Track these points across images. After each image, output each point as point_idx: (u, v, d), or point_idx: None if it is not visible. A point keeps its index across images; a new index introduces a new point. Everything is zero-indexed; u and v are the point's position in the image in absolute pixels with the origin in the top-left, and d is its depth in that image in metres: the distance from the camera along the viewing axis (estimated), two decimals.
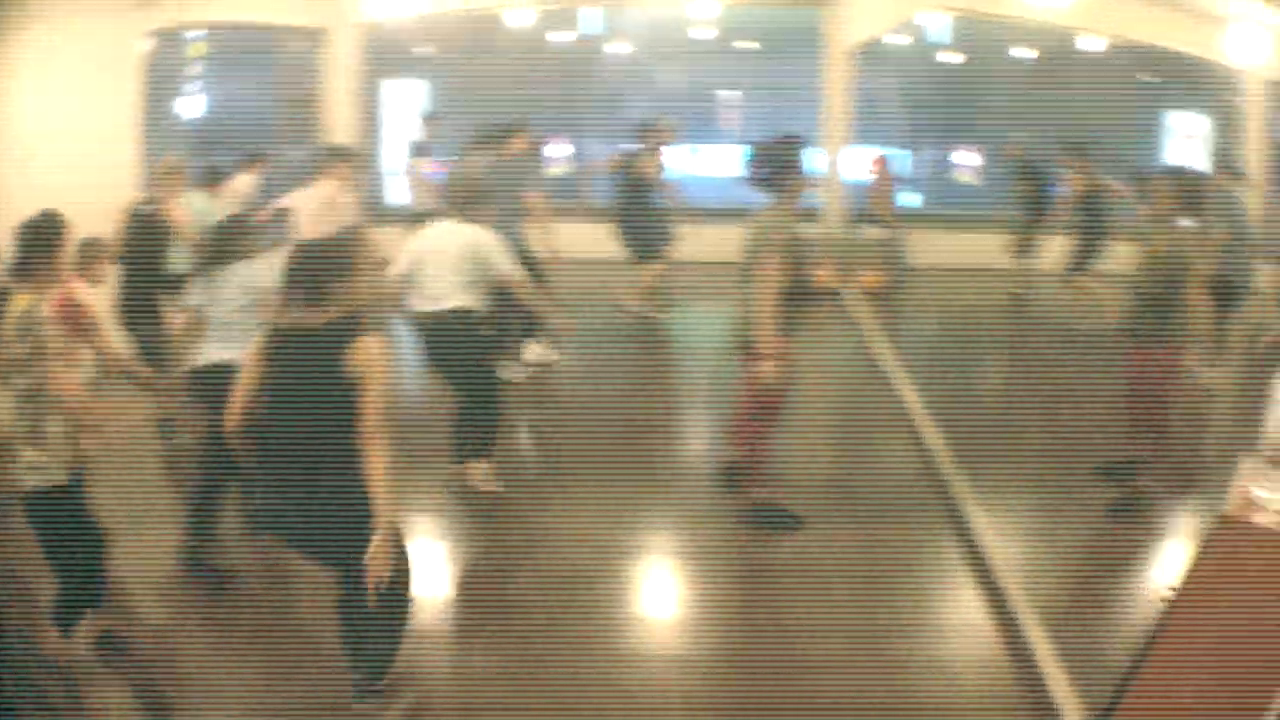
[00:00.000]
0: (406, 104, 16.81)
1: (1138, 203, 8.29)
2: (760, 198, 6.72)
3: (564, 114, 18.03)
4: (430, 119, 13.99)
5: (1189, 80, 12.39)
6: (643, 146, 11.55)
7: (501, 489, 7.52)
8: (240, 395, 4.73)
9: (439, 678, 5.42)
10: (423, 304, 7.25)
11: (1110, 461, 7.43)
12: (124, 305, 8.24)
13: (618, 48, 19.72)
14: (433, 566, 6.44)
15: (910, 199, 15.54)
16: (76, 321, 5.64)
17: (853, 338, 11.87)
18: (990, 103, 16.16)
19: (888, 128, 16.95)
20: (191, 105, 16.50)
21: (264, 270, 6.32)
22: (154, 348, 7.90)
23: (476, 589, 6.42)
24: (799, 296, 6.64)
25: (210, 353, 6.27)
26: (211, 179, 9.69)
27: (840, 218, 14.87)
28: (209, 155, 11.00)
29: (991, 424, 8.84)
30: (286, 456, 4.59)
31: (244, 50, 16.77)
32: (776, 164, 6.63)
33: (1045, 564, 6.59)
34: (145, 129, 10.69)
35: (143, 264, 8.25)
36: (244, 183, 10.87)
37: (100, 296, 6.91)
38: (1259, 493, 3.90)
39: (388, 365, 4.54)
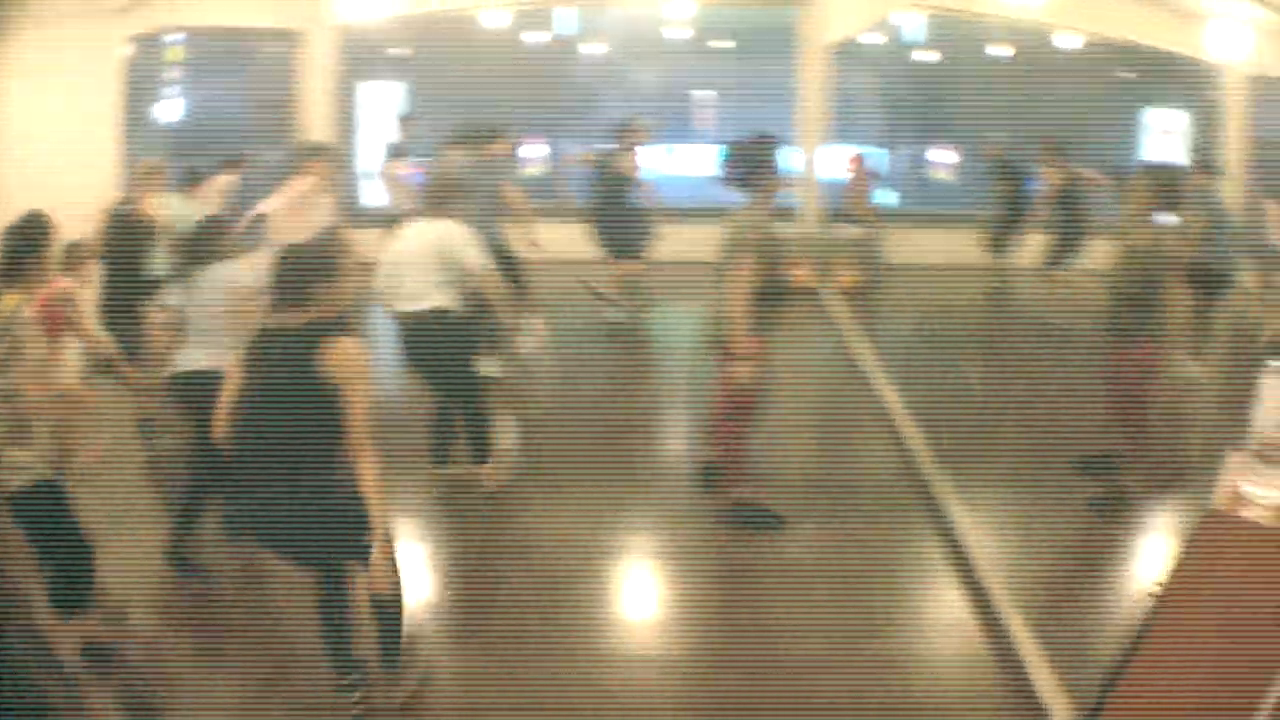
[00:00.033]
0: (382, 105, 16.74)
1: (1115, 194, 8.30)
2: (736, 197, 6.70)
3: (539, 114, 17.99)
4: (406, 120, 13.94)
5: (1167, 77, 12.42)
6: (619, 146, 11.54)
7: (499, 485, 7.53)
8: (226, 398, 4.71)
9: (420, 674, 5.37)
10: (401, 304, 7.22)
11: (1089, 457, 7.44)
12: (104, 305, 8.19)
13: (593, 48, 19.69)
14: (412, 568, 6.39)
15: (887, 197, 15.51)
16: (60, 322, 5.60)
17: (831, 337, 11.87)
18: (966, 101, 16.16)
19: (864, 126, 16.95)
20: (170, 109, 16.43)
21: (242, 272, 6.30)
22: (134, 348, 7.86)
23: (455, 590, 6.36)
24: (775, 296, 6.65)
25: (190, 359, 6.22)
26: (190, 180, 9.67)
27: (817, 217, 14.86)
28: (188, 158, 10.97)
29: (971, 421, 8.82)
30: (265, 457, 4.57)
31: (222, 54, 16.71)
32: (751, 163, 6.63)
33: (1028, 561, 6.56)
34: (126, 132, 10.68)
35: (122, 264, 8.20)
36: (222, 184, 10.82)
37: (86, 297, 6.87)
38: (1247, 488, 3.90)
39: (367, 369, 4.53)
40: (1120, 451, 7.19)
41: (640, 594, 6.43)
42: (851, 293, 13.27)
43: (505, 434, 7.88)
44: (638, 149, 11.67)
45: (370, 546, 4.51)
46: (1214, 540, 3.93)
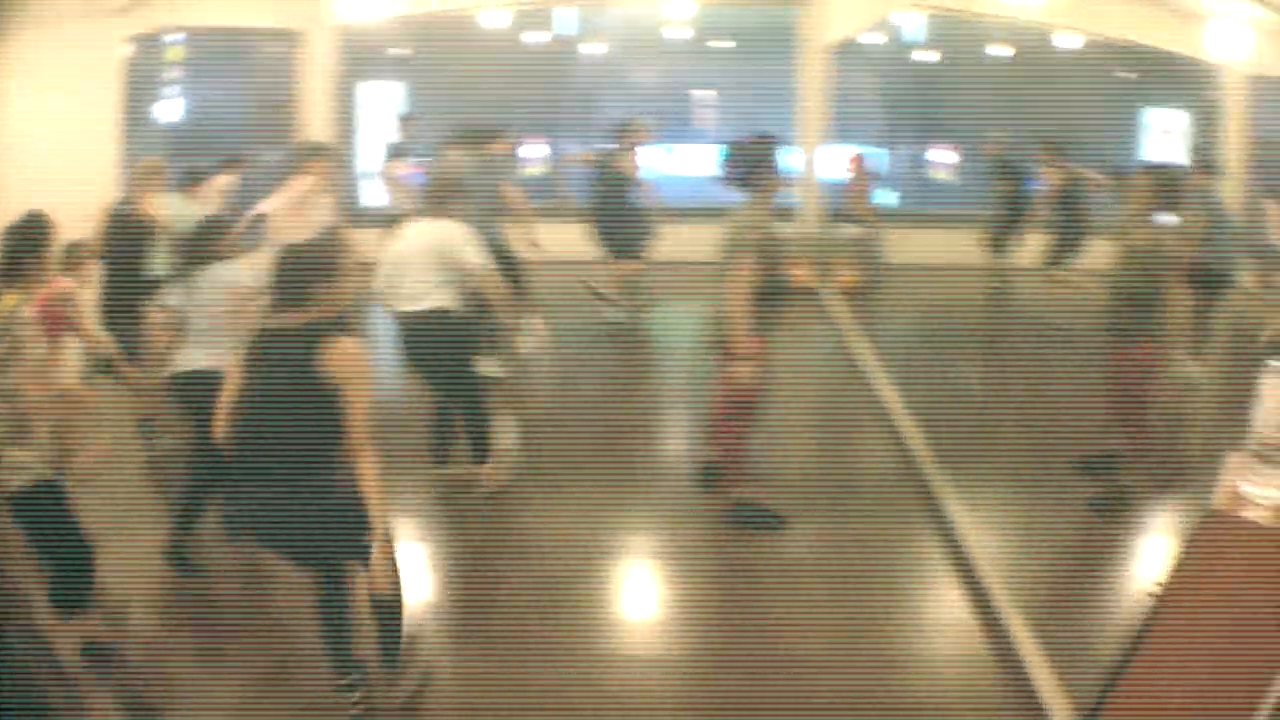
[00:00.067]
0: (383, 105, 16.73)
1: (1116, 194, 8.30)
2: (736, 197, 6.70)
3: (539, 114, 17.99)
4: (407, 120, 13.95)
5: (1167, 76, 12.42)
6: (619, 146, 11.55)
7: (500, 485, 7.54)
8: (226, 398, 4.71)
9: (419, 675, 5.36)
10: (401, 304, 7.22)
11: (1090, 456, 7.43)
12: (104, 305, 8.19)
13: (593, 48, 19.67)
14: (412, 568, 6.38)
15: (887, 197, 15.51)
16: (60, 322, 5.61)
17: (831, 337, 11.85)
18: (966, 101, 16.15)
19: (864, 126, 16.93)
20: (170, 108, 16.43)
21: (242, 272, 6.30)
22: (134, 348, 7.87)
23: (455, 590, 6.36)
24: (775, 295, 6.65)
25: (190, 359, 6.23)
26: (190, 180, 9.67)
27: (817, 216, 14.84)
28: (187, 158, 10.98)
29: (971, 421, 8.84)
30: (264, 457, 4.57)
31: (222, 54, 16.70)
32: (751, 163, 6.62)
33: (1028, 561, 6.56)
34: (126, 132, 10.70)
35: (122, 264, 8.19)
36: (222, 185, 10.82)
37: (86, 297, 6.88)
38: (1247, 488, 3.89)
39: (367, 370, 4.53)
40: (1120, 451, 7.19)
41: (641, 594, 6.41)
42: (851, 292, 13.26)
43: (505, 434, 7.87)
44: (638, 149, 11.67)
45: (370, 547, 4.51)
46: (1214, 540, 3.93)
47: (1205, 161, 9.58)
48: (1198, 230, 8.14)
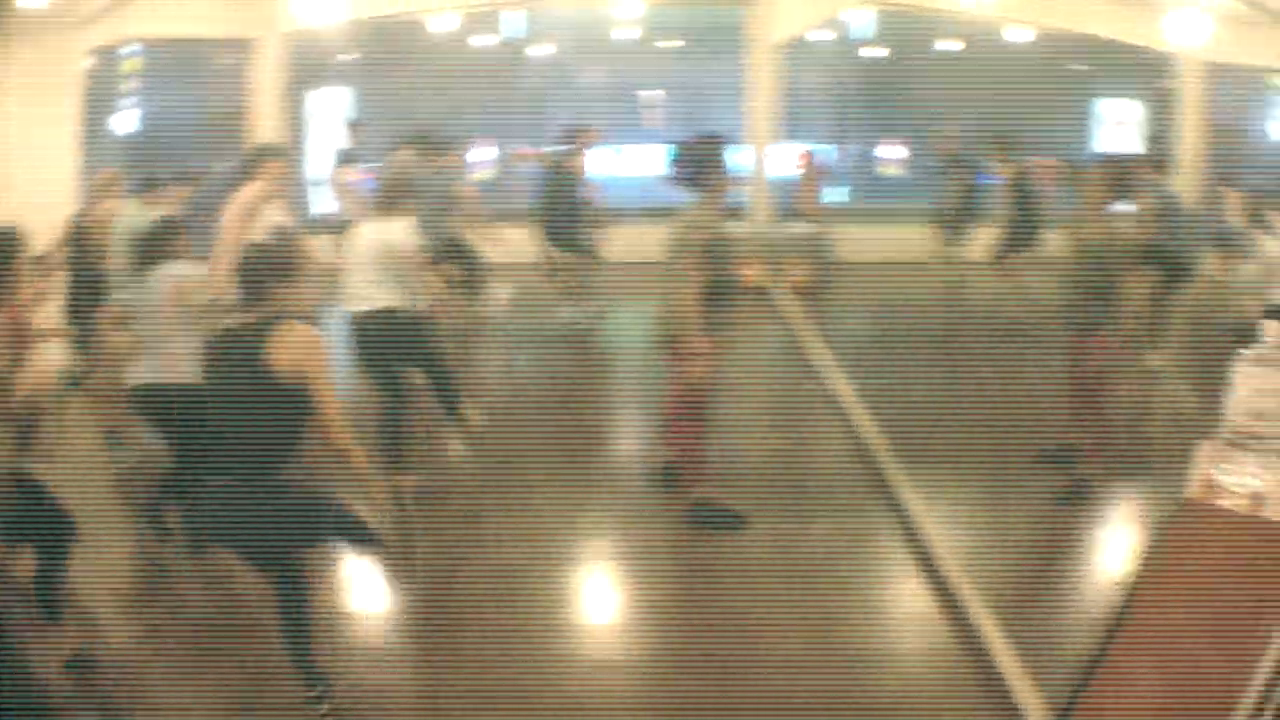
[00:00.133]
0: (331, 112, 16.63)
1: (1070, 186, 8.32)
2: (685, 197, 6.70)
3: (488, 117, 17.95)
4: (355, 126, 13.83)
5: (1119, 67, 12.50)
6: (571, 147, 11.52)
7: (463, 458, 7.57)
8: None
9: (377, 684, 5.29)
10: (351, 305, 7.28)
11: (1049, 449, 7.44)
12: (69, 314, 8.20)
13: (541, 50, 19.66)
14: (370, 572, 6.28)
15: (837, 193, 15.55)
16: (29, 333, 5.55)
17: (783, 335, 11.84)
18: (916, 96, 16.24)
19: (814, 124, 17.01)
20: (127, 119, 16.36)
21: (188, 269, 6.24)
22: (98, 354, 7.85)
23: (413, 595, 6.23)
24: (725, 295, 6.64)
25: (149, 369, 6.18)
26: (147, 187, 9.62)
27: (767, 214, 14.84)
28: (144, 168, 10.94)
29: (928, 416, 8.82)
30: (220, 456, 4.57)
31: (177, 64, 16.63)
32: (699, 163, 6.64)
33: (989, 554, 6.52)
34: (85, 143, 10.67)
35: (84, 273, 8.22)
36: (178, 197, 10.74)
37: (52, 308, 6.84)
38: (1220, 476, 3.86)
39: (323, 356, 4.52)
40: (1078, 444, 7.19)
41: (602, 597, 6.35)
42: (803, 291, 13.23)
43: (473, 412, 7.85)
44: (588, 150, 11.64)
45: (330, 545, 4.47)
46: (1188, 530, 3.88)
47: (1155, 156, 9.63)
48: (1151, 220, 8.17)
